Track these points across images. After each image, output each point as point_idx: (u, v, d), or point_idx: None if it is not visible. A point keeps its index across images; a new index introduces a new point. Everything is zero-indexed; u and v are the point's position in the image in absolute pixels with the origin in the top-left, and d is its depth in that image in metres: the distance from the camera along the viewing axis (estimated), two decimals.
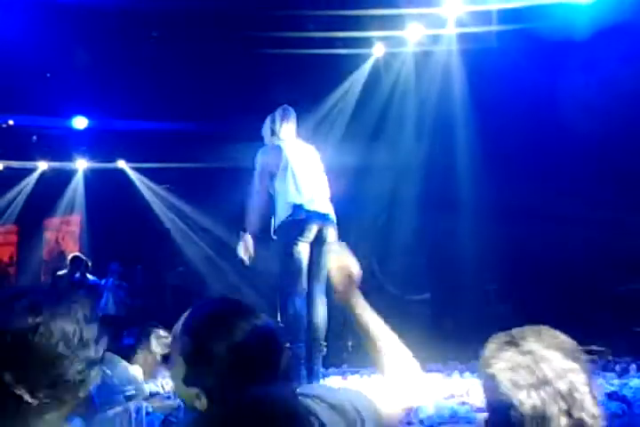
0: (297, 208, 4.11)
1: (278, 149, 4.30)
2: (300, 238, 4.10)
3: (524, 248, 8.97)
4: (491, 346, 1.26)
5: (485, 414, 1.27)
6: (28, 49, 7.71)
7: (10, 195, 11.35)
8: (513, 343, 1.23)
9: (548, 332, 1.26)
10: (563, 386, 1.17)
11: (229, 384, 1.25)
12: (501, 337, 1.26)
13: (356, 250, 1.78)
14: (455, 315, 8.96)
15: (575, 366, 1.21)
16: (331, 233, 4.20)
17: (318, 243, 4.16)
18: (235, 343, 1.30)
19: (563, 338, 1.25)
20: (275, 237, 4.24)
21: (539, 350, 1.21)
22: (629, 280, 8.36)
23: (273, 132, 4.49)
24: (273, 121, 4.54)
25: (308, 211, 4.12)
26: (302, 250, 4.11)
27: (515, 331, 1.26)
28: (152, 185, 11.42)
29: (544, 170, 8.08)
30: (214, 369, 1.28)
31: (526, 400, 1.17)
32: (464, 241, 9.40)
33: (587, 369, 1.22)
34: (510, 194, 8.29)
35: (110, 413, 3.27)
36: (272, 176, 4.28)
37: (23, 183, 11.36)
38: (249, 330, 1.32)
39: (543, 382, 1.18)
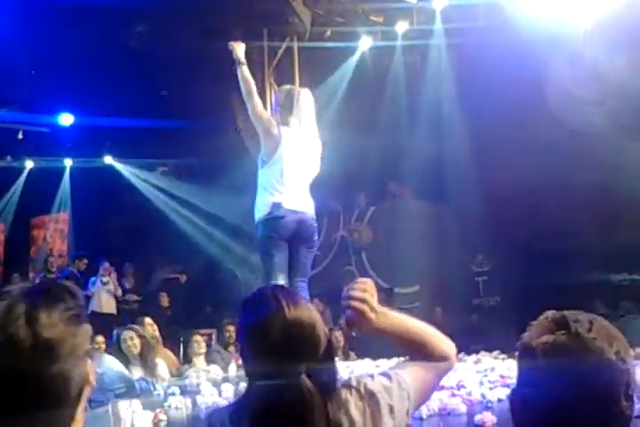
0: (276, 206, 4.07)
1: (277, 139, 4.15)
2: (278, 236, 4.07)
3: (515, 240, 9.02)
4: (540, 321, 1.21)
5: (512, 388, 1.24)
6: (13, 46, 7.63)
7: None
8: (563, 324, 1.17)
9: (602, 322, 1.19)
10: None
11: None
12: (553, 314, 1.21)
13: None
14: (444, 307, 8.99)
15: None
16: (309, 228, 4.18)
17: (298, 239, 4.14)
18: None
19: (615, 332, 1.18)
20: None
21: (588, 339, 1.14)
22: (620, 270, 8.44)
23: (279, 115, 4.25)
24: (279, 104, 4.29)
25: (287, 209, 4.08)
26: (282, 247, 4.08)
27: (568, 312, 1.20)
28: (143, 176, 11.31)
29: (531, 161, 8.10)
30: None
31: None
32: (454, 233, 9.42)
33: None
34: (501, 183, 8.33)
35: (100, 411, 3.26)
36: (262, 162, 4.21)
37: (13, 182, 11.29)
38: None
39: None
